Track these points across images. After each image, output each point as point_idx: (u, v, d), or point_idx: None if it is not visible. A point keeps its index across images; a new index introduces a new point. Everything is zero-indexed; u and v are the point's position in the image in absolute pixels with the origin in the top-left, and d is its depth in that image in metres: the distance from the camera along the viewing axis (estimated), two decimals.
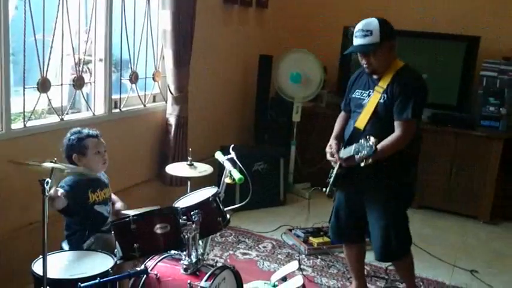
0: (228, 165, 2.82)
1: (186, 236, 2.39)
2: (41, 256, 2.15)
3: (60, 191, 2.46)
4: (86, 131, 2.74)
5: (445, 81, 4.85)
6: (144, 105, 4.02)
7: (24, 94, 2.99)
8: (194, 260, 2.44)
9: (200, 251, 2.56)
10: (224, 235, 4.07)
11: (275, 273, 3.20)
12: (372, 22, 2.78)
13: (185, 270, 2.43)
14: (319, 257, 3.85)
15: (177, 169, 3.05)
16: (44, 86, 3.06)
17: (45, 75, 3.08)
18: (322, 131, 5.21)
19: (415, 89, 2.79)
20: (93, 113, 3.53)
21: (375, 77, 2.88)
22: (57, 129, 3.11)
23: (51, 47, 3.13)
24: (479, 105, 4.86)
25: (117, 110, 3.76)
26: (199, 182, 3.05)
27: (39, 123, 3.14)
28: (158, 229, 2.35)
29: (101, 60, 3.55)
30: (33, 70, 3.08)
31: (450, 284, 3.61)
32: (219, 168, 3.35)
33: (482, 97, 4.83)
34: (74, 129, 2.75)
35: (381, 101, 2.81)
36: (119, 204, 2.89)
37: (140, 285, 2.40)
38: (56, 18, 3.14)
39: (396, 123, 2.77)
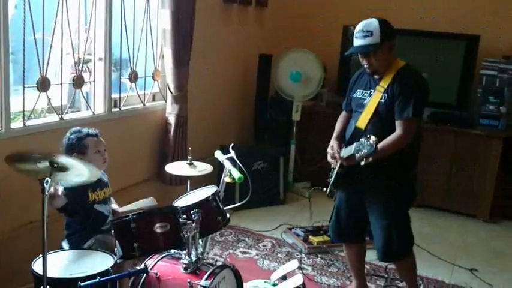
0: (227, 164, 2.82)
1: (186, 235, 2.39)
2: (40, 255, 2.15)
3: (60, 190, 2.46)
4: (85, 130, 2.74)
5: (444, 80, 4.85)
6: (144, 105, 4.02)
7: (23, 93, 2.99)
8: (194, 259, 2.44)
9: (200, 250, 2.56)
10: (224, 234, 4.08)
11: (275, 272, 3.20)
12: (372, 23, 2.78)
13: (185, 269, 2.43)
14: (319, 255, 3.85)
15: (176, 168, 3.05)
16: (43, 85, 3.06)
17: (44, 74, 3.07)
18: (322, 130, 5.22)
19: (416, 88, 2.79)
20: (93, 112, 3.53)
21: (375, 76, 2.88)
22: (56, 128, 3.11)
23: (51, 46, 3.13)
24: (478, 104, 4.86)
25: (117, 109, 3.75)
26: (199, 181, 3.05)
27: (38, 122, 3.13)
28: (158, 228, 2.36)
29: (100, 59, 3.55)
30: (32, 69, 3.08)
31: (450, 282, 3.62)
32: (218, 167, 3.34)
33: (481, 96, 4.83)
34: (73, 128, 2.75)
35: (382, 100, 2.81)
36: (114, 205, 2.89)
37: (140, 284, 2.40)
38: (56, 17, 3.14)
39: (397, 123, 2.77)
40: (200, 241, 2.59)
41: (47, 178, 2.02)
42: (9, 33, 2.80)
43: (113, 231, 2.37)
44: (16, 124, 2.97)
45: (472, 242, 4.39)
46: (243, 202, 2.92)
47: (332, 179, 2.97)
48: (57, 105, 3.26)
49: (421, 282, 3.53)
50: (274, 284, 3.04)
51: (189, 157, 3.05)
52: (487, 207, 4.78)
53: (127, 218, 2.34)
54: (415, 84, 2.80)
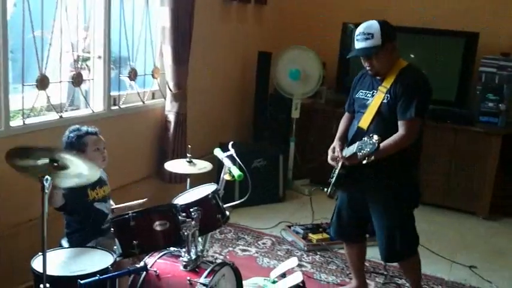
0: (227, 162, 2.82)
1: (185, 233, 2.39)
2: (40, 253, 2.16)
3: (60, 191, 2.47)
4: (85, 128, 2.74)
5: (444, 77, 4.85)
6: (143, 102, 4.02)
7: (23, 91, 2.98)
8: (194, 256, 2.44)
9: (199, 247, 2.57)
10: (223, 232, 4.08)
11: (274, 269, 3.20)
12: (373, 25, 2.77)
13: (185, 267, 2.43)
14: (318, 253, 3.86)
15: (176, 166, 3.05)
16: (42, 83, 3.06)
17: (44, 72, 3.07)
18: (322, 128, 5.26)
19: (418, 88, 2.78)
20: (92, 110, 3.53)
21: (378, 77, 2.88)
22: (56, 126, 3.11)
23: (50, 44, 3.12)
24: (478, 101, 4.86)
25: (116, 107, 3.75)
26: (198, 179, 3.05)
27: (38, 120, 3.13)
28: (157, 226, 2.36)
29: (99, 57, 3.55)
30: (32, 67, 3.08)
31: (449, 279, 3.62)
32: (218, 165, 3.35)
33: (481, 93, 4.84)
34: (72, 126, 2.75)
35: (385, 101, 2.80)
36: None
37: (140, 282, 2.40)
38: (55, 15, 3.14)
39: (400, 123, 2.76)
40: (200, 239, 2.60)
41: (47, 176, 2.02)
42: (8, 31, 2.79)
43: (112, 229, 2.37)
44: (15, 122, 2.96)
45: (471, 239, 4.40)
46: (243, 200, 2.92)
47: (333, 180, 2.97)
48: (57, 103, 3.25)
49: None
50: (274, 282, 3.05)
51: (188, 155, 3.05)
52: (486, 204, 4.78)
53: (126, 216, 2.34)
54: (417, 84, 2.79)
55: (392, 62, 2.84)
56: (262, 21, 5.63)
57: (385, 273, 3.61)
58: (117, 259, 2.35)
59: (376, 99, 2.84)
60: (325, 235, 3.99)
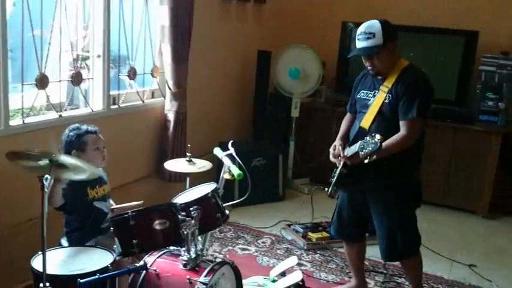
0: (227, 161, 2.83)
1: (185, 232, 2.39)
2: (40, 252, 2.16)
3: (60, 191, 2.47)
4: (84, 127, 2.74)
5: (443, 76, 4.85)
6: (143, 101, 4.02)
7: (22, 90, 2.98)
8: (193, 255, 2.44)
9: (199, 246, 2.57)
10: (223, 231, 4.08)
11: (274, 268, 3.21)
12: (374, 24, 2.77)
13: (184, 265, 2.43)
14: (318, 252, 3.86)
15: (176, 165, 3.05)
16: (42, 82, 3.05)
17: (43, 71, 3.07)
18: (321, 127, 5.26)
19: (420, 88, 2.78)
20: (92, 109, 3.52)
21: (379, 77, 2.88)
22: (55, 125, 3.11)
23: (49, 44, 3.12)
24: (477, 100, 4.86)
25: (116, 106, 3.75)
26: (198, 178, 3.05)
27: (37, 119, 3.13)
28: (157, 225, 2.36)
29: (99, 56, 3.54)
30: (31, 66, 3.08)
31: (449, 278, 3.63)
32: (218, 164, 3.35)
33: (480, 92, 4.84)
34: (72, 125, 2.75)
35: (386, 101, 2.80)
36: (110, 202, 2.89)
37: (140, 281, 2.40)
38: (54, 14, 3.14)
39: (401, 123, 2.76)
40: (199, 238, 2.60)
41: (47, 175, 2.02)
42: (8, 30, 2.79)
43: (112, 228, 2.37)
44: (15, 121, 2.96)
45: (471, 237, 4.40)
46: (242, 199, 2.92)
47: (334, 179, 2.96)
48: (56, 102, 3.25)
49: None
50: (274, 281, 3.05)
51: (188, 154, 3.05)
52: (486, 203, 4.78)
53: (126, 215, 2.34)
54: (418, 84, 2.79)
55: (394, 61, 2.83)
56: (262, 20, 5.63)
57: (385, 272, 3.61)
58: (117, 258, 2.35)
59: (377, 99, 2.84)
60: (325, 234, 3.99)
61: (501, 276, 3.70)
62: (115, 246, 2.36)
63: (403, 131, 2.75)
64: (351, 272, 3.37)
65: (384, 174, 2.82)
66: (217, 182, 2.81)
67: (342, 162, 2.90)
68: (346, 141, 2.99)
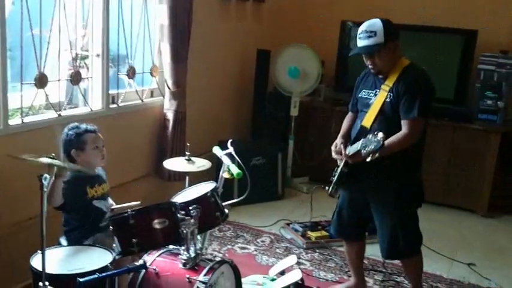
0: (226, 160, 2.83)
1: (184, 231, 2.39)
2: (39, 251, 2.16)
3: (60, 190, 2.47)
4: (83, 126, 2.73)
5: (442, 74, 4.84)
6: (142, 101, 4.02)
7: (21, 90, 2.98)
8: (193, 254, 2.44)
9: (198, 245, 2.57)
10: (222, 230, 4.08)
11: (273, 267, 3.21)
12: (376, 23, 2.77)
13: (184, 264, 2.43)
14: (317, 250, 3.86)
15: (175, 164, 3.05)
16: (41, 81, 3.05)
17: (42, 70, 3.07)
18: (320, 126, 5.27)
19: (421, 87, 2.77)
20: (91, 109, 3.52)
21: (380, 76, 2.88)
22: (54, 124, 3.10)
23: (48, 43, 3.12)
24: (476, 99, 4.86)
25: (115, 105, 3.75)
26: (197, 177, 3.05)
27: (36, 119, 3.13)
28: (156, 224, 2.36)
29: (98, 55, 3.54)
30: (30, 66, 3.07)
31: (448, 277, 3.63)
32: (217, 163, 3.35)
33: (479, 90, 4.84)
34: (71, 124, 2.75)
35: (387, 100, 2.80)
36: (109, 201, 2.89)
37: (139, 280, 2.40)
38: (53, 13, 3.13)
39: (403, 122, 2.76)
40: (199, 237, 2.60)
41: (46, 174, 2.02)
42: (7, 30, 2.79)
43: (111, 227, 2.37)
44: (14, 121, 2.96)
45: (470, 236, 4.41)
46: (242, 198, 2.92)
47: (335, 178, 2.96)
48: (55, 101, 3.25)
49: None
50: (273, 279, 3.05)
51: (187, 153, 3.05)
52: (485, 201, 4.79)
53: (125, 214, 2.34)
54: (419, 83, 2.78)
55: (395, 60, 2.83)
56: (261, 19, 5.63)
57: (384, 270, 3.62)
58: (116, 257, 2.35)
59: (378, 98, 2.83)
60: (324, 233, 3.99)
61: (500, 275, 3.70)
62: (114, 245, 2.37)
63: (404, 129, 2.75)
64: (350, 270, 3.37)
65: (384, 174, 2.82)
66: (216, 181, 2.81)
67: (343, 161, 2.90)
68: (348, 140, 2.99)
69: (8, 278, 2.87)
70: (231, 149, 2.89)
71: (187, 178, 3.06)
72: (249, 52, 5.25)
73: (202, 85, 4.63)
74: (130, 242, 2.33)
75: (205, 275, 2.35)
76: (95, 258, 2.34)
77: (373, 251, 3.48)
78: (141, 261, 2.43)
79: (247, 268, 3.28)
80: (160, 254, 2.53)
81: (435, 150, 4.74)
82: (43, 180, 2.01)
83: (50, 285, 2.09)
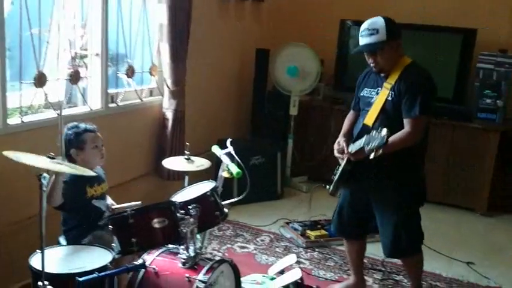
0: (225, 160, 2.83)
1: (184, 230, 2.39)
2: (38, 250, 2.16)
3: (60, 190, 2.47)
4: (83, 125, 2.74)
5: (441, 73, 4.83)
6: (141, 100, 4.02)
7: (20, 89, 2.98)
8: (192, 254, 2.44)
9: (198, 244, 2.57)
10: (222, 229, 4.08)
11: (273, 266, 3.21)
12: (378, 21, 2.77)
13: (183, 264, 2.43)
14: (317, 249, 3.87)
15: (174, 163, 3.04)
16: (40, 81, 3.05)
17: (41, 70, 3.07)
18: (319, 125, 5.27)
19: (422, 85, 2.77)
20: (90, 108, 3.52)
21: (382, 75, 2.87)
22: (53, 124, 3.09)
23: (48, 42, 3.12)
24: (475, 98, 4.86)
25: (114, 105, 3.75)
26: (196, 176, 3.05)
27: (35, 118, 3.13)
28: (156, 223, 2.36)
29: (97, 54, 3.54)
30: (29, 65, 3.07)
31: (447, 276, 3.63)
32: (216, 162, 3.35)
33: (478, 89, 4.84)
34: (70, 123, 2.75)
35: (389, 98, 2.79)
36: (109, 201, 2.89)
37: (138, 279, 2.41)
38: (52, 12, 3.13)
39: (405, 121, 2.75)
40: (198, 236, 2.60)
41: (45, 174, 2.03)
42: (6, 29, 2.79)
43: (110, 226, 2.37)
44: (13, 120, 2.96)
45: (469, 235, 4.41)
46: (241, 197, 2.92)
47: (337, 176, 2.94)
48: (54, 101, 3.25)
49: None
50: (272, 278, 3.05)
51: (186, 152, 3.05)
52: (484, 200, 4.79)
53: (125, 214, 2.34)
54: (421, 81, 2.78)
55: (397, 59, 2.83)
56: (260, 18, 5.63)
57: (383, 269, 3.62)
58: (116, 256, 2.35)
59: (380, 96, 2.83)
60: (324, 232, 3.99)
61: (499, 273, 3.71)
62: (114, 244, 2.37)
63: (407, 128, 2.74)
64: (349, 269, 3.38)
65: (383, 175, 2.82)
66: (215, 180, 2.81)
67: (345, 159, 2.89)
68: (350, 138, 2.97)
69: (7, 277, 2.87)
70: (230, 148, 2.89)
71: (186, 177, 3.05)
72: (248, 51, 5.25)
73: (202, 84, 4.63)
74: (129, 242, 2.33)
75: (204, 274, 2.35)
76: (95, 258, 2.34)
77: (372, 249, 3.49)
78: (140, 261, 2.43)
79: (247, 267, 3.28)
80: (159, 253, 2.53)
81: (434, 149, 4.74)
82: (42, 180, 2.01)
83: (49, 284, 2.09)
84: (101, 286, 2.23)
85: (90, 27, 3.47)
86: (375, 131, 2.55)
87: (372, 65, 2.86)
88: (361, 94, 2.99)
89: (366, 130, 2.80)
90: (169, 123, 4.07)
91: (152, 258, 2.48)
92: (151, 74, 4.10)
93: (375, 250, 3.62)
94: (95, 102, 3.58)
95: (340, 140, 2.97)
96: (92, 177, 2.68)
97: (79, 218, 2.67)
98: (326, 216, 4.35)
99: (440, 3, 5.11)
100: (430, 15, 4.99)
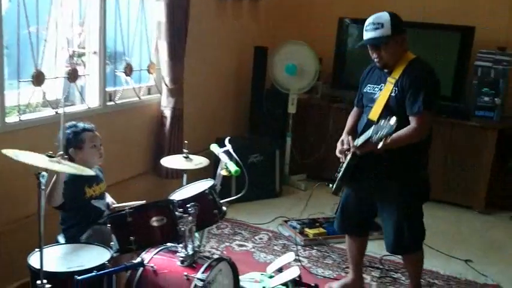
0: (223, 158, 2.82)
1: (182, 229, 2.39)
2: (37, 249, 2.15)
3: (61, 190, 2.47)
4: (81, 124, 2.73)
5: (439, 71, 4.76)
6: (139, 98, 4.01)
7: (18, 87, 2.97)
8: (191, 252, 2.45)
9: (196, 243, 2.57)
10: (220, 227, 4.08)
11: (271, 264, 3.21)
12: (383, 15, 2.77)
13: (182, 262, 2.44)
14: (315, 247, 3.87)
15: (172, 162, 3.04)
16: (38, 79, 3.05)
17: (39, 68, 3.06)
18: (318, 123, 5.27)
19: (425, 81, 2.76)
20: (88, 106, 3.52)
21: (386, 70, 2.86)
22: (52, 122, 3.10)
23: (45, 40, 3.11)
24: (473, 96, 4.86)
25: (112, 103, 3.74)
26: (195, 175, 3.05)
27: (33, 116, 3.12)
28: (154, 222, 2.36)
29: (95, 52, 3.53)
30: (27, 63, 3.07)
31: (445, 273, 3.64)
32: (214, 160, 3.35)
33: (476, 87, 4.84)
34: (68, 123, 2.74)
35: (392, 94, 2.78)
36: (109, 199, 2.89)
37: (137, 277, 2.41)
38: (50, 10, 3.13)
39: (410, 118, 2.74)
40: (196, 234, 2.60)
41: (43, 173, 2.02)
42: (3, 27, 2.78)
43: (109, 225, 2.37)
44: (11, 118, 2.95)
45: (467, 233, 4.42)
46: (239, 195, 2.92)
47: (340, 173, 2.93)
48: (52, 99, 3.25)
49: None
50: (271, 276, 3.06)
51: (185, 150, 3.05)
52: (482, 198, 4.80)
53: (123, 212, 2.34)
54: (423, 77, 2.77)
55: (401, 54, 2.82)
56: (258, 16, 5.62)
57: (381, 267, 3.63)
58: (114, 255, 2.35)
59: (384, 92, 2.81)
60: (322, 230, 4.00)
61: (497, 271, 3.71)
62: (112, 243, 2.37)
63: (413, 124, 2.73)
64: (348, 266, 3.38)
65: (383, 175, 2.83)
66: (214, 179, 2.81)
67: (350, 153, 2.85)
68: (354, 135, 2.94)
69: (5, 276, 2.87)
70: (228, 147, 2.89)
71: (185, 176, 3.05)
72: (246, 49, 5.25)
73: (200, 82, 4.62)
74: (128, 240, 2.33)
75: (203, 272, 2.35)
76: (93, 256, 2.34)
77: (370, 247, 3.48)
78: (139, 259, 2.43)
79: (245, 265, 3.28)
80: (158, 252, 2.53)
81: (432, 147, 4.70)
82: (40, 178, 2.01)
83: (47, 283, 2.09)
84: (100, 284, 2.23)
85: (88, 25, 3.46)
86: (383, 120, 2.52)
87: (375, 59, 2.85)
88: (365, 90, 2.98)
89: (371, 125, 2.73)
90: (168, 122, 4.07)
91: (150, 257, 2.49)
92: (149, 72, 4.10)
93: (373, 248, 3.62)
94: (93, 101, 3.58)
95: (344, 138, 2.93)
96: (91, 177, 2.67)
97: (79, 218, 2.66)
98: (324, 214, 4.36)
99: (440, 3, 5.11)
100: (429, 15, 4.99)
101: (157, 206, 2.42)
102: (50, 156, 2.19)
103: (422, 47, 4.88)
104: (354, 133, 2.96)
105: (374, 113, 2.83)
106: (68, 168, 2.22)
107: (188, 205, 2.43)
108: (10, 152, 2.09)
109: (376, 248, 3.70)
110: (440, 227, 4.44)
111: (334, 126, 4.99)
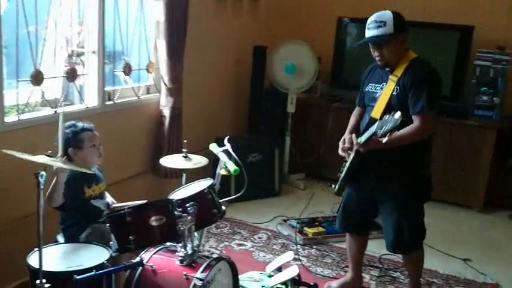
0: (223, 157, 2.83)
1: (181, 228, 2.39)
2: (36, 249, 2.15)
3: (61, 190, 2.47)
4: (80, 124, 2.73)
5: (438, 71, 4.84)
6: (138, 97, 4.01)
7: (17, 87, 2.97)
8: (190, 251, 2.45)
9: (196, 242, 2.57)
10: (219, 226, 4.08)
11: (270, 263, 3.21)
12: (386, 14, 2.77)
13: (181, 261, 2.44)
14: (314, 247, 3.87)
15: (171, 161, 3.05)
16: (37, 78, 3.05)
17: (38, 67, 3.06)
18: (317, 122, 5.27)
19: (427, 80, 2.76)
20: (87, 106, 3.52)
21: (387, 69, 2.86)
22: (51, 121, 3.09)
23: (44, 40, 3.11)
24: (472, 95, 4.87)
25: (111, 102, 3.74)
26: (194, 174, 3.05)
27: (32, 116, 3.12)
28: (153, 221, 2.36)
29: (94, 52, 3.53)
30: (26, 63, 3.07)
31: (444, 272, 3.64)
32: (214, 160, 3.35)
33: (475, 86, 4.84)
34: (68, 122, 2.74)
35: (394, 93, 2.78)
36: (109, 199, 2.89)
37: (136, 277, 2.41)
38: (49, 10, 3.12)
39: (413, 117, 2.74)
40: (196, 234, 2.61)
41: (42, 172, 2.02)
42: (2, 27, 2.78)
43: (108, 224, 2.37)
44: (10, 118, 2.95)
45: (466, 232, 4.42)
46: (239, 194, 2.93)
47: (343, 173, 2.93)
48: (51, 98, 3.24)
49: None
50: (270, 276, 3.06)
51: (184, 150, 3.05)
52: (481, 197, 4.80)
53: (122, 212, 2.34)
54: (425, 75, 2.77)
55: (403, 53, 2.82)
56: (258, 15, 5.62)
57: (380, 266, 3.63)
58: (113, 254, 2.35)
59: (385, 91, 2.81)
60: (321, 229, 4.00)
61: (496, 270, 3.72)
62: (111, 242, 2.37)
63: (416, 123, 2.73)
64: (347, 265, 3.38)
65: (383, 175, 2.83)
66: (213, 178, 2.81)
67: (353, 152, 2.84)
68: (356, 135, 2.92)
69: (5, 276, 2.87)
70: (228, 146, 2.89)
71: (184, 175, 3.05)
72: (245, 49, 5.24)
73: (199, 81, 4.62)
74: (127, 239, 2.33)
75: (202, 271, 2.35)
76: (92, 256, 2.34)
77: (369, 246, 3.48)
78: (138, 259, 2.43)
79: (245, 265, 3.28)
80: (157, 251, 2.53)
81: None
82: (39, 178, 2.01)
83: (47, 282, 2.09)
84: (99, 284, 2.23)
85: (86, 24, 3.46)
86: (387, 115, 2.51)
87: (377, 58, 2.84)
88: (366, 89, 2.98)
89: (373, 124, 2.72)
90: (167, 121, 4.07)
91: (150, 256, 2.49)
92: (148, 71, 4.10)
93: (372, 247, 3.62)
94: (92, 100, 3.58)
95: (346, 137, 2.93)
96: (90, 177, 2.67)
97: (78, 218, 2.66)
98: (324, 213, 4.36)
99: (439, 2, 5.10)
100: (429, 14, 4.98)
101: (157, 206, 2.42)
102: (49, 156, 2.19)
103: (421, 46, 4.87)
104: (356, 132, 2.95)
105: (376, 111, 2.83)
106: (66, 167, 2.22)
107: (187, 204, 2.43)
108: (10, 152, 2.09)
109: (375, 247, 3.70)
110: (439, 226, 4.43)
111: (333, 125, 4.99)
